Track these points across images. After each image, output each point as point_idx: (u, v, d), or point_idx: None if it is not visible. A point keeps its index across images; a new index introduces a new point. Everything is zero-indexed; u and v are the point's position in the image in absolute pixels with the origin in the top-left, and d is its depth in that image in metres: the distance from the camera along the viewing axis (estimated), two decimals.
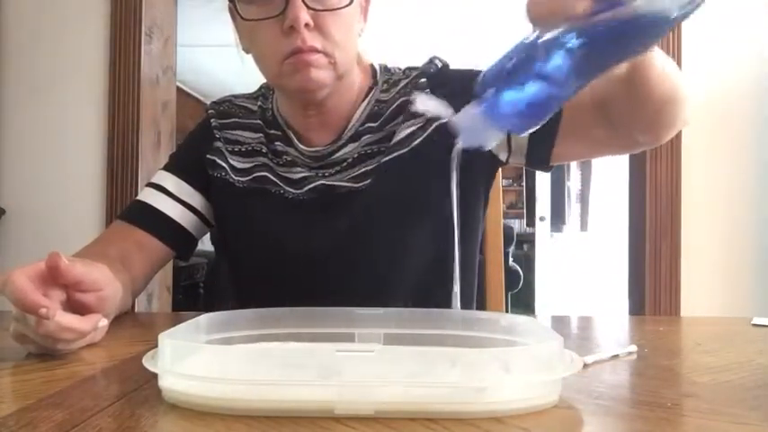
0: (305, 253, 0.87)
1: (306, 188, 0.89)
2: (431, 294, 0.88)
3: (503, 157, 0.90)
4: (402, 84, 0.92)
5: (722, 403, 0.46)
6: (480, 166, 0.90)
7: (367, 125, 0.90)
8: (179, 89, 2.42)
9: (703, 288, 1.73)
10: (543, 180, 5.27)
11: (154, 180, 0.96)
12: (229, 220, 0.95)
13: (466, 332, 0.59)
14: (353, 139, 0.90)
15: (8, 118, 1.87)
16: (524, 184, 7.87)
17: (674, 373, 0.58)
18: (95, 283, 0.64)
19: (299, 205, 0.89)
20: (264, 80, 0.98)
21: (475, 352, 0.48)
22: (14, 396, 0.48)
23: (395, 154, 0.87)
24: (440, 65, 0.93)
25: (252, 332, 0.59)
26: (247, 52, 0.89)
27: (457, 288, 0.65)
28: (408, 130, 0.88)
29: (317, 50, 0.79)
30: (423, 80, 0.91)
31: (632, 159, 1.88)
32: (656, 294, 1.75)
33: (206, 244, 2.99)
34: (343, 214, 0.87)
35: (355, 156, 0.89)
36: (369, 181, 0.87)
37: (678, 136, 1.72)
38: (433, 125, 0.87)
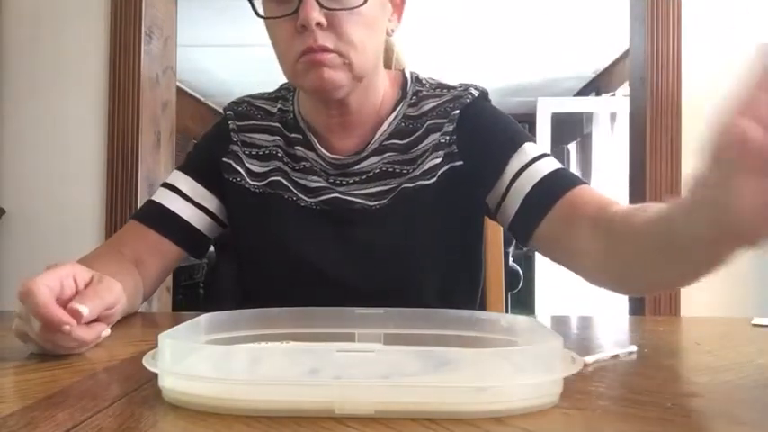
0: (313, 262, 0.86)
1: (320, 198, 0.88)
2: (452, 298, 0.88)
3: (491, 209, 0.87)
4: (432, 104, 0.90)
5: (722, 403, 0.46)
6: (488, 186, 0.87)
7: (393, 141, 0.88)
8: (179, 89, 2.42)
9: (703, 288, 1.73)
10: None
11: (169, 180, 0.95)
12: (243, 223, 0.94)
13: (466, 332, 0.59)
14: (377, 152, 0.88)
15: (8, 118, 1.87)
16: None
17: (674, 373, 0.58)
18: (107, 306, 0.64)
19: (312, 215, 0.88)
20: (273, 82, 0.98)
21: (475, 352, 0.48)
22: (15, 396, 0.48)
23: (417, 183, 0.86)
24: (476, 94, 0.90)
25: (252, 332, 0.59)
26: None
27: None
28: (432, 163, 0.86)
29: (329, 50, 0.78)
30: (456, 112, 0.87)
31: (632, 159, 1.88)
32: (655, 294, 1.74)
33: None
34: (354, 230, 0.86)
35: (377, 171, 0.87)
36: (384, 201, 0.86)
37: (678, 135, 1.72)
38: (449, 164, 0.86)
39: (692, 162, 1.65)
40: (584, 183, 0.81)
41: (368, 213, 0.86)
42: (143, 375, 0.48)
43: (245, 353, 0.50)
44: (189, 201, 0.93)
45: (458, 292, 0.92)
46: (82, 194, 1.84)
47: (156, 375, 0.45)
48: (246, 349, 0.55)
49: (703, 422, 0.42)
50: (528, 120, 6.73)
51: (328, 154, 0.89)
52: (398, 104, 0.91)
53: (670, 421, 0.41)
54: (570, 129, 6.08)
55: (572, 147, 6.40)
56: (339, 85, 0.80)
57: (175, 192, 0.93)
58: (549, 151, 0.85)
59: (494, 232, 1.21)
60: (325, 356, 0.45)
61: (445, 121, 0.87)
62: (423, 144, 0.87)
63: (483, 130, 0.87)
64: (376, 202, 0.86)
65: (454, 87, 0.92)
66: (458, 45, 4.83)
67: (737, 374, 0.54)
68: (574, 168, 6.37)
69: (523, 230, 0.82)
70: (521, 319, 0.58)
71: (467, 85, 0.91)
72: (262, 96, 0.98)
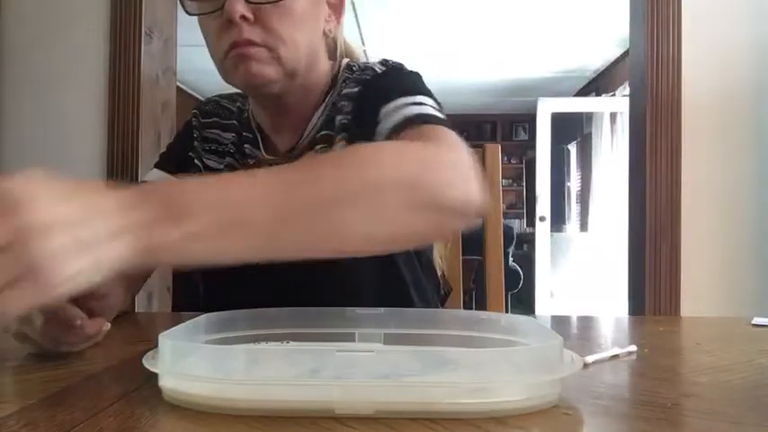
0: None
1: None
2: (385, 297, 0.86)
3: None
4: (349, 88, 0.87)
5: (722, 403, 0.46)
6: None
7: (323, 132, 0.86)
8: (179, 89, 2.42)
9: (703, 288, 1.73)
10: (543, 180, 5.28)
11: (146, 177, 0.97)
12: None
13: (466, 332, 0.59)
14: (310, 146, 0.86)
15: (8, 117, 1.87)
16: (524, 184, 7.90)
17: (674, 373, 0.58)
18: (100, 292, 0.64)
19: None
20: None
21: (475, 352, 0.48)
22: (15, 396, 0.48)
23: None
24: (378, 70, 0.87)
25: (252, 332, 0.59)
26: None
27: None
28: (341, 145, 0.83)
29: (256, 44, 0.77)
30: (355, 89, 0.85)
31: (632, 159, 1.88)
32: (656, 294, 1.74)
33: None
34: None
35: None
36: None
37: (678, 135, 1.72)
38: (339, 137, 0.84)
39: (691, 162, 1.65)
40: (432, 125, 0.71)
41: None
42: (143, 375, 0.48)
43: (244, 353, 0.50)
44: None
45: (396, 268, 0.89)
46: None
47: (156, 375, 0.45)
48: (246, 349, 0.55)
49: (703, 422, 0.42)
50: (528, 120, 6.73)
51: (266, 156, 0.89)
52: (327, 95, 0.89)
53: (670, 421, 0.41)
54: (570, 129, 6.09)
55: (572, 147, 6.40)
56: (269, 80, 0.79)
57: None
58: (436, 105, 0.77)
59: (494, 233, 1.21)
60: (325, 356, 0.45)
61: (348, 102, 0.86)
62: (335, 129, 0.85)
63: (377, 99, 0.81)
64: None
65: (371, 66, 0.89)
66: (458, 45, 4.83)
67: (737, 374, 0.54)
68: (574, 168, 6.38)
69: None
70: (521, 319, 0.58)
71: (379, 61, 0.89)
72: (228, 95, 1.00)
